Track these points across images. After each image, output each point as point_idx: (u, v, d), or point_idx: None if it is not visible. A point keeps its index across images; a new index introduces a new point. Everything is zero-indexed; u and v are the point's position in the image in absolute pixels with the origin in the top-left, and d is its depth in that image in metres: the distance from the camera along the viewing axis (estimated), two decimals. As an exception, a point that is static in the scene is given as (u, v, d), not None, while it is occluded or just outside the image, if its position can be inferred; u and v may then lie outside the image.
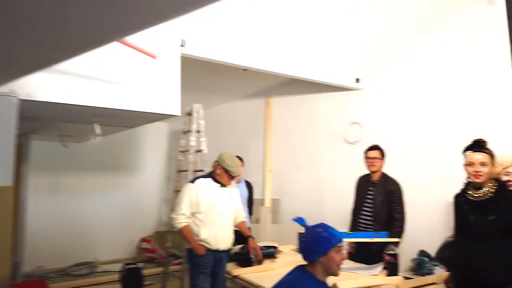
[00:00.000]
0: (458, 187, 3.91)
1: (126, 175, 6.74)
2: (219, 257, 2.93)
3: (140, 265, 4.68)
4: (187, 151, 4.75)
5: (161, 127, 6.97)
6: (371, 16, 4.89)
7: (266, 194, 5.70)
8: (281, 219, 5.65)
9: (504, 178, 2.30)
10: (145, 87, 3.31)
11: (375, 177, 3.25)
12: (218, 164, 2.94)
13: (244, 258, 3.08)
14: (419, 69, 4.38)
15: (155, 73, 3.39)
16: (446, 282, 2.23)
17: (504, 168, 2.32)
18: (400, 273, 2.54)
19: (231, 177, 2.95)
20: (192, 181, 2.98)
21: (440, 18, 4.26)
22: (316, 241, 1.75)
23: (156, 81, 3.39)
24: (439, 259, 2.39)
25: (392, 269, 2.54)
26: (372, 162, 3.22)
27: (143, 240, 6.47)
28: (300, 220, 1.86)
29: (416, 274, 2.43)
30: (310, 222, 5.06)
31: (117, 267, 5.44)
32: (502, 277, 1.95)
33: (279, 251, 3.51)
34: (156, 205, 6.96)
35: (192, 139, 4.68)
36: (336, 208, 4.95)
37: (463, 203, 2.17)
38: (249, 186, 4.80)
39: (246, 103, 6.20)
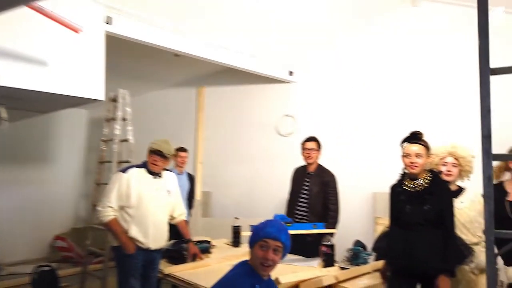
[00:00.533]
0: (384, 179, 4.26)
1: (38, 167, 6.02)
2: (150, 257, 2.64)
3: (54, 265, 4.20)
4: (111, 140, 4.36)
5: (80, 114, 6.36)
6: (306, 8, 4.92)
7: (197, 186, 5.48)
8: (213, 213, 5.50)
9: (442, 168, 2.41)
10: (63, 66, 2.91)
11: (311, 168, 3.26)
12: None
13: (177, 255, 2.88)
14: (351, 63, 4.51)
15: (76, 51, 2.99)
16: (382, 271, 2.27)
17: (441, 159, 2.42)
18: (336, 264, 2.54)
19: (162, 158, 2.61)
20: (123, 171, 2.66)
21: (369, 15, 4.41)
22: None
23: (77, 60, 3.00)
24: (375, 249, 2.45)
25: (328, 260, 2.54)
26: (309, 153, 3.21)
27: (58, 238, 5.86)
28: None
29: (352, 264, 2.44)
30: (242, 215, 4.97)
31: (27, 268, 4.86)
32: (435, 265, 2.02)
33: (213, 245, 3.36)
34: (73, 199, 6.35)
35: (117, 128, 4.30)
36: (269, 200, 4.94)
37: (400, 194, 2.22)
38: (191, 178, 4.59)
39: (177, 91, 5.91)
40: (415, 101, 4.04)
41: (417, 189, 2.17)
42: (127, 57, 4.56)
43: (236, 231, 3.52)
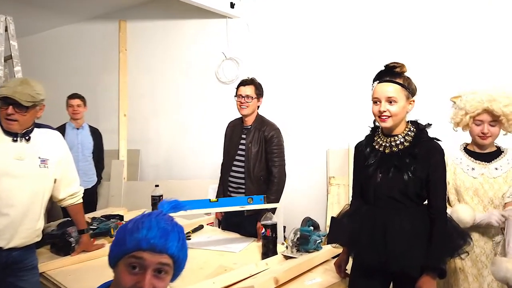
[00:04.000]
0: (341, 134, 3.64)
1: None
2: (7, 259, 1.71)
3: None
4: (-8, 85, 3.29)
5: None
6: None
7: (121, 143, 4.58)
8: (143, 175, 4.65)
9: (475, 129, 1.72)
10: None
11: (249, 121, 2.47)
12: None
13: (61, 242, 2.06)
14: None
15: None
16: (338, 264, 1.62)
17: (473, 117, 1.71)
18: (279, 252, 1.86)
19: (19, 108, 1.66)
20: None
21: None
22: (113, 241, 0.94)
23: None
24: (331, 234, 1.78)
25: (269, 247, 1.85)
26: (240, 102, 2.41)
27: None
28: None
29: (299, 251, 1.77)
30: (177, 177, 4.16)
31: None
32: (415, 261, 1.38)
33: (121, 223, 2.56)
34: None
35: (-1, 68, 3.23)
36: (207, 159, 4.16)
37: (368, 156, 1.52)
38: (95, 132, 3.69)
39: (92, 26, 4.77)
40: (387, 39, 3.28)
41: (394, 149, 1.47)
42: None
43: (156, 202, 2.74)
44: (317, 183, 3.62)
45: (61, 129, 3.34)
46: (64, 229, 2.09)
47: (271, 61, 3.84)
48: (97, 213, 2.79)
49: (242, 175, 2.42)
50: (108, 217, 2.60)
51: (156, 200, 2.73)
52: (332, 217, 2.01)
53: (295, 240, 1.81)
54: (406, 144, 1.46)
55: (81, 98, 3.56)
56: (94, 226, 2.30)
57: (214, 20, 4.14)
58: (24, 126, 1.72)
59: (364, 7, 3.33)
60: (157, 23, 4.45)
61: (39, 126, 1.82)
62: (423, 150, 1.43)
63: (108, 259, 0.93)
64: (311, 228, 1.84)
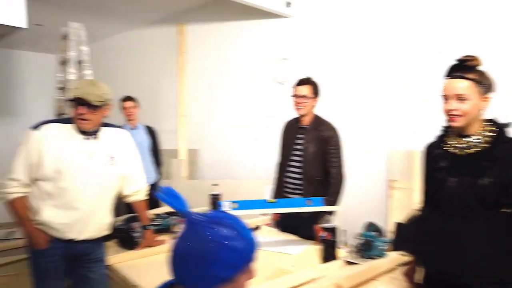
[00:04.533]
0: (404, 134, 3.45)
1: (3, 120, 5.29)
2: (77, 251, 1.83)
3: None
4: (65, 87, 3.56)
5: (44, 59, 5.50)
6: None
7: (180, 143, 4.73)
8: (200, 174, 4.77)
9: None
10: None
11: (305, 121, 2.42)
12: None
13: (125, 237, 2.16)
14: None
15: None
16: (408, 273, 1.52)
17: None
18: (340, 257, 1.79)
19: (90, 109, 1.74)
20: (36, 127, 1.78)
21: None
22: (219, 258, 0.81)
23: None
24: (398, 241, 1.68)
25: (329, 251, 1.79)
26: (300, 102, 2.36)
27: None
28: (171, 197, 0.88)
29: (362, 257, 1.69)
30: (234, 176, 4.21)
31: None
32: (494, 275, 1.25)
33: (182, 220, 2.63)
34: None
35: (71, 72, 3.48)
36: (263, 159, 4.16)
37: (440, 158, 1.41)
38: (151, 132, 3.85)
39: (153, 31, 4.96)
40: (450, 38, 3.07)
41: (469, 151, 1.35)
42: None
43: (215, 201, 2.78)
44: (376, 186, 3.47)
45: None
46: (129, 224, 2.18)
47: (327, 60, 3.74)
48: (160, 210, 2.89)
49: (299, 176, 2.37)
50: (171, 214, 2.68)
51: (215, 199, 2.78)
52: (398, 223, 1.90)
53: (357, 245, 1.73)
54: (484, 144, 1.33)
55: (134, 100, 3.70)
56: (157, 222, 2.39)
57: (270, 20, 4.12)
58: (95, 124, 1.81)
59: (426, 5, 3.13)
60: (213, 25, 4.54)
61: (108, 125, 1.92)
62: (505, 152, 1.30)
63: (212, 281, 0.82)
64: (375, 233, 1.75)
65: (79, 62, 3.53)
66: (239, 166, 4.46)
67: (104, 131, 1.87)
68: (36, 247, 1.75)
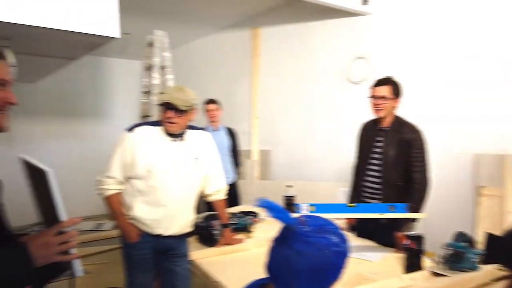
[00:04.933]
0: (492, 135, 3.16)
1: (91, 123, 5.83)
2: (164, 245, 1.96)
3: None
4: (150, 91, 3.82)
5: (131, 65, 5.95)
6: None
7: (253, 144, 4.83)
8: (272, 174, 4.82)
9: None
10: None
11: (385, 122, 2.31)
12: None
13: (205, 234, 2.26)
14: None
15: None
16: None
17: None
18: (426, 267, 1.70)
19: (177, 113, 1.85)
20: (130, 129, 1.94)
21: None
22: (325, 267, 0.84)
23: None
24: (491, 253, 1.55)
25: (413, 261, 1.70)
26: (378, 103, 2.26)
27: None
28: (274, 210, 0.86)
29: (451, 269, 1.58)
30: (305, 177, 4.20)
31: (88, 225, 4.77)
32: None
33: (258, 220, 2.68)
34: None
35: (155, 77, 3.73)
36: (335, 161, 4.10)
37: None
38: (231, 133, 3.98)
39: (228, 35, 5.12)
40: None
41: None
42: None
43: (289, 202, 2.80)
44: (461, 193, 3.23)
45: None
46: (209, 222, 2.28)
47: (405, 58, 3.56)
48: (236, 209, 2.97)
49: (378, 180, 2.28)
50: (246, 213, 2.75)
51: (289, 200, 2.79)
52: (489, 233, 1.74)
53: (446, 256, 1.63)
54: None
55: (216, 102, 3.85)
56: (233, 221, 2.46)
57: (345, 19, 4.04)
58: (181, 127, 1.92)
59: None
60: (288, 26, 4.56)
61: (192, 127, 2.03)
62: None
63: (337, 277, 0.87)
64: (465, 244, 1.63)
65: (162, 68, 3.77)
66: (310, 168, 4.43)
67: (189, 133, 1.98)
68: (129, 240, 1.91)
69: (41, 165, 0.92)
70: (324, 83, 4.29)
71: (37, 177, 0.98)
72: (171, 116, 1.87)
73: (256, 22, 4.78)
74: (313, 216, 0.94)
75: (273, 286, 0.90)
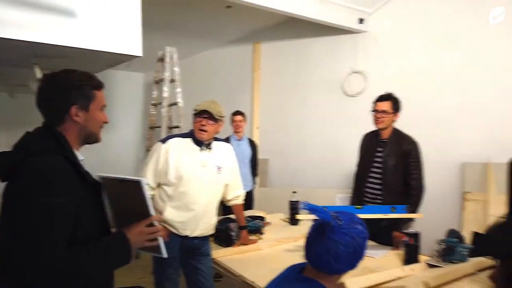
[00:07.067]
0: (477, 145, 3.46)
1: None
2: (190, 245, 2.18)
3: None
4: (160, 103, 4.05)
5: (135, 78, 6.19)
6: None
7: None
8: (271, 182, 5.07)
9: None
10: (94, 18, 2.54)
11: (385, 134, 2.60)
12: None
13: (223, 235, 2.48)
14: (435, 6, 3.62)
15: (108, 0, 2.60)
16: (493, 276, 1.65)
17: None
18: (422, 260, 1.96)
19: (211, 120, 2.07)
20: (163, 141, 2.16)
21: None
22: (358, 249, 1.09)
23: (109, 11, 2.61)
24: (478, 247, 1.81)
25: (411, 254, 1.97)
26: (379, 117, 2.54)
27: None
28: (319, 211, 1.09)
29: (444, 261, 1.84)
30: (303, 185, 4.44)
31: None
32: None
33: (267, 223, 2.93)
34: (132, 166, 6.31)
35: (165, 90, 3.96)
36: (333, 170, 4.37)
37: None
38: (252, 144, 4.20)
39: (230, 49, 5.40)
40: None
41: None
42: (174, 11, 4.12)
43: (294, 207, 3.05)
44: (450, 198, 3.52)
45: (226, 141, 3.89)
46: (226, 225, 2.51)
47: (398, 73, 3.87)
48: (245, 213, 3.20)
49: (378, 186, 2.55)
50: (253, 217, 2.99)
51: (294, 205, 3.04)
52: (475, 232, 2.02)
53: (440, 250, 1.89)
54: None
55: (243, 114, 4.05)
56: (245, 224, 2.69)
57: (342, 36, 4.33)
58: (210, 136, 2.15)
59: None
60: (288, 43, 4.84)
61: (217, 139, 2.27)
62: None
63: (346, 267, 1.10)
64: (456, 239, 1.90)
65: (171, 81, 4.01)
66: (308, 176, 4.68)
67: (214, 144, 2.22)
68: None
69: (132, 177, 1.19)
70: (321, 95, 4.57)
71: (125, 188, 1.22)
72: (204, 124, 2.09)
73: (257, 37, 5.07)
74: (342, 211, 1.18)
75: (312, 269, 1.14)
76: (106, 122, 1.30)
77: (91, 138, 1.26)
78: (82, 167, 1.20)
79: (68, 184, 1.10)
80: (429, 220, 3.33)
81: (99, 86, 1.28)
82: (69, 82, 1.21)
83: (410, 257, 1.97)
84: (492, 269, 1.68)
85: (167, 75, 3.94)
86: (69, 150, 1.17)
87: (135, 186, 1.15)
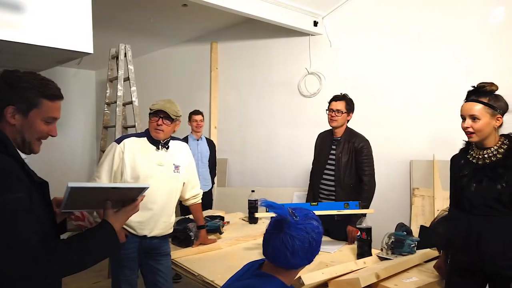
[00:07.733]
0: (424, 144, 3.69)
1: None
2: (149, 245, 2.14)
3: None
4: (114, 102, 3.92)
5: (87, 75, 5.94)
6: None
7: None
8: (229, 182, 5.07)
9: None
10: (42, 13, 2.42)
11: (339, 133, 2.71)
12: None
13: (182, 236, 2.46)
14: (388, 9, 3.80)
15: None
16: (438, 265, 1.78)
17: None
18: (374, 253, 2.06)
19: (166, 120, 2.07)
20: (118, 141, 2.12)
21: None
22: (313, 244, 1.13)
23: (58, 6, 2.50)
24: (423, 240, 1.94)
25: (364, 248, 2.06)
26: (333, 116, 2.65)
27: (70, 206, 5.62)
28: (275, 207, 1.12)
29: (394, 254, 1.95)
30: (261, 184, 4.48)
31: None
32: (509, 263, 1.51)
33: (226, 222, 2.93)
34: (83, 166, 6.06)
35: (120, 88, 3.85)
36: (290, 168, 4.46)
37: (463, 167, 1.67)
38: (211, 144, 4.15)
39: (187, 48, 5.34)
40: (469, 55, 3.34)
41: (486, 161, 1.62)
42: (130, 10, 4.01)
43: (253, 206, 3.08)
44: (399, 194, 3.71)
45: (184, 140, 3.83)
46: (184, 225, 2.49)
47: (351, 74, 4.03)
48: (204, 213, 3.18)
49: (333, 183, 2.65)
50: (212, 217, 2.98)
51: (252, 204, 3.07)
52: (422, 226, 2.16)
53: (389, 243, 2.00)
54: (498, 156, 1.60)
55: (202, 114, 3.99)
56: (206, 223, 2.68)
57: (298, 38, 4.43)
58: (166, 136, 2.14)
59: (440, 22, 3.41)
60: (245, 43, 4.87)
61: (173, 138, 2.24)
62: None
63: (303, 261, 1.13)
64: (405, 233, 2.01)
65: (125, 79, 3.89)
66: (266, 175, 4.75)
67: (171, 143, 2.20)
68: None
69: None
70: (278, 95, 4.64)
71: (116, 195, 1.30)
72: (160, 124, 2.07)
73: (215, 37, 5.05)
74: (298, 208, 1.22)
75: (270, 265, 1.17)
76: (51, 135, 1.23)
77: (25, 146, 1.17)
78: (27, 165, 1.15)
79: (20, 180, 1.06)
80: (381, 214, 3.51)
81: (51, 96, 1.20)
82: (12, 82, 1.14)
83: (363, 251, 2.06)
84: (437, 260, 1.82)
85: (121, 73, 3.82)
86: (12, 148, 1.12)
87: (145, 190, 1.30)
